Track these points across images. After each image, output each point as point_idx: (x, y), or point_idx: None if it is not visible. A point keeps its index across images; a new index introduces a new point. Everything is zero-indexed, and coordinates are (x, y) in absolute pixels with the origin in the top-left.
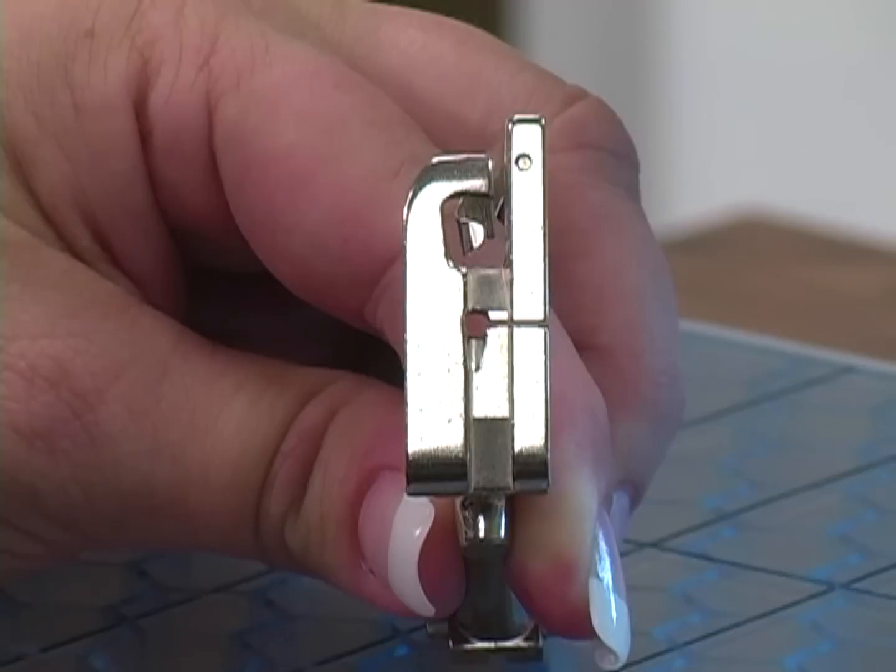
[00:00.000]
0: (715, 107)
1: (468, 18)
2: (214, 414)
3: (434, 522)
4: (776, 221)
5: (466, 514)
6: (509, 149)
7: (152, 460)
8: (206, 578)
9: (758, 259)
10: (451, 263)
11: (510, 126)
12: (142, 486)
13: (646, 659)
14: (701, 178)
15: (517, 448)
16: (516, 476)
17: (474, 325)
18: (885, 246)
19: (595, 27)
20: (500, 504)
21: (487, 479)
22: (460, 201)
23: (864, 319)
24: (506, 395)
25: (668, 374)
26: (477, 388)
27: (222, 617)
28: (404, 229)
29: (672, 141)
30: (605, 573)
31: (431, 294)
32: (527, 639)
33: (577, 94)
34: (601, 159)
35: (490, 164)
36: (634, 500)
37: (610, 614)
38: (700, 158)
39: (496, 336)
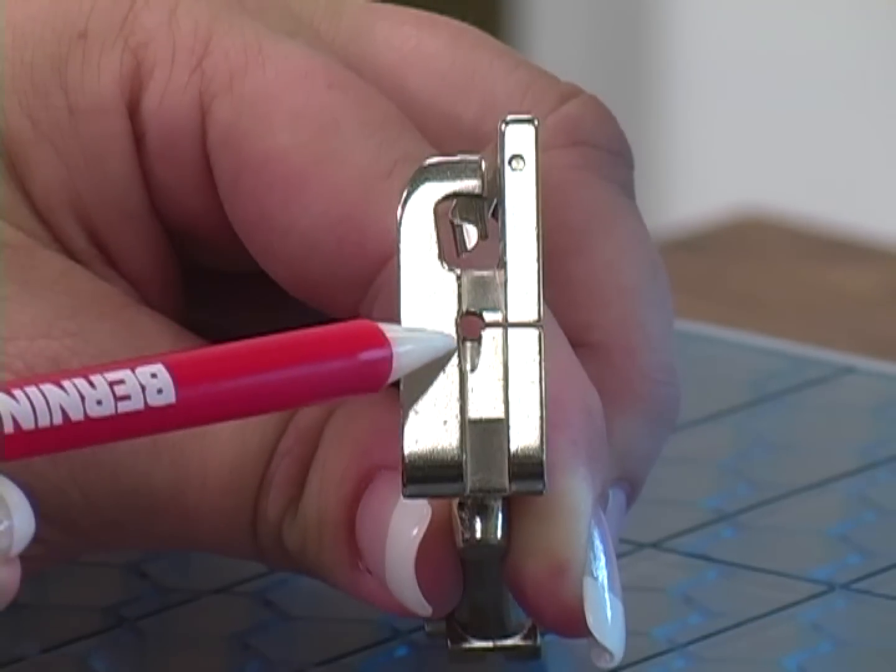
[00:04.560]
0: (715, 107)
1: (462, 17)
2: None
3: (431, 522)
4: (776, 221)
5: (463, 514)
6: (502, 149)
7: (150, 461)
8: (206, 579)
9: (758, 259)
10: (445, 265)
11: (503, 126)
12: (140, 486)
13: (646, 659)
14: (701, 178)
15: (513, 449)
16: (512, 477)
17: (469, 327)
18: (885, 246)
19: (595, 26)
20: (497, 505)
21: (483, 481)
22: (454, 202)
23: (864, 319)
24: (501, 396)
25: (664, 371)
26: (472, 390)
27: (222, 617)
28: (398, 231)
29: (672, 141)
30: (601, 572)
31: (426, 295)
32: (525, 637)
33: (572, 92)
34: (596, 156)
35: (483, 164)
36: (631, 498)
37: (605, 613)
38: (700, 158)
39: (491, 337)
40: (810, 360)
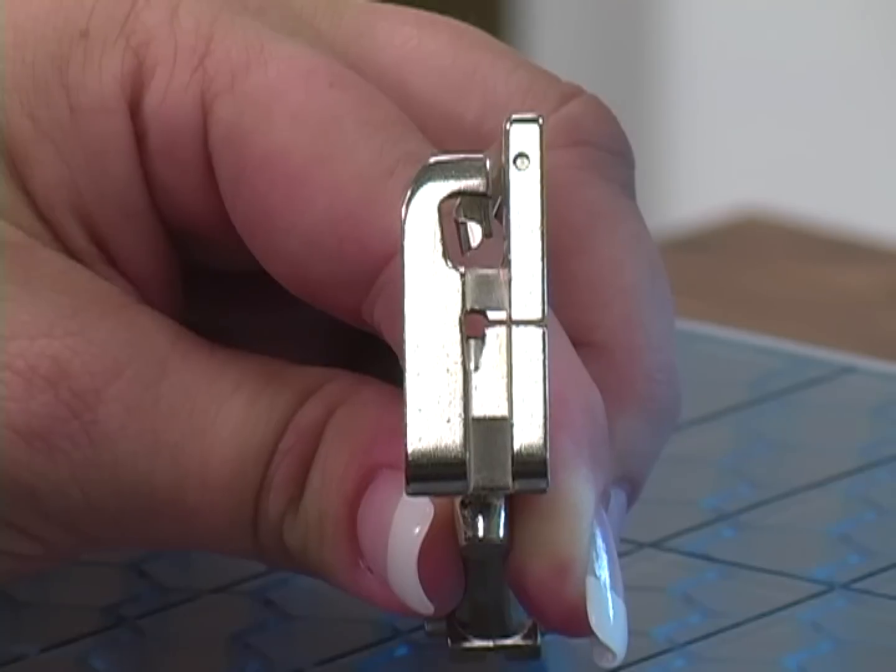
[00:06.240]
0: (715, 107)
1: (463, 17)
2: (213, 413)
3: (433, 521)
4: (776, 221)
5: (465, 513)
6: (507, 148)
7: (151, 460)
8: (206, 578)
9: (758, 259)
10: (449, 263)
11: (508, 125)
12: (141, 485)
13: (646, 659)
14: (701, 178)
15: (516, 447)
16: (515, 475)
17: (473, 325)
18: (886, 246)
19: (595, 26)
20: (499, 503)
21: (487, 479)
22: (458, 201)
23: (864, 319)
24: (505, 394)
25: (665, 371)
26: (476, 388)
27: (222, 617)
28: (402, 229)
29: (672, 141)
30: (603, 571)
31: (430, 294)
32: (525, 637)
33: (573, 92)
34: (597, 156)
35: (488, 163)
36: (632, 497)
37: (607, 612)
38: (700, 158)
39: (495, 336)
40: (810, 360)
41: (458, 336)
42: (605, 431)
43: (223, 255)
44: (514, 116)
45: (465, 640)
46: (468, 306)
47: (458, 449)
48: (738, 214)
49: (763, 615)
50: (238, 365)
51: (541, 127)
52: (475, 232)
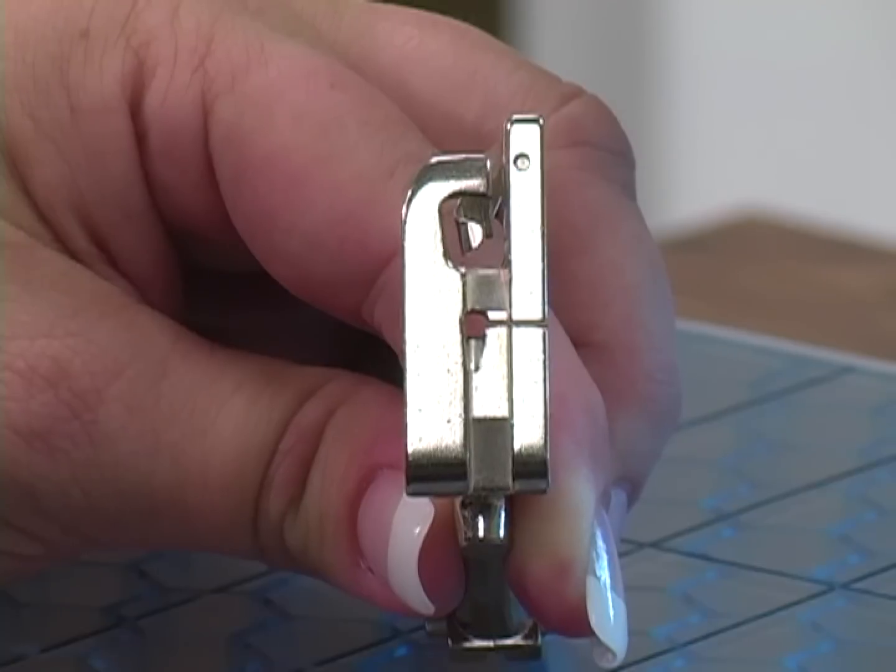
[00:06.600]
0: (715, 107)
1: (463, 17)
2: (213, 413)
3: (434, 521)
4: (776, 221)
5: (466, 513)
6: (508, 148)
7: (151, 460)
8: (206, 578)
9: (758, 259)
10: (449, 263)
11: (509, 126)
12: (141, 485)
13: (646, 659)
14: (701, 178)
15: (517, 448)
16: (516, 476)
17: (473, 326)
18: (886, 246)
19: (595, 26)
20: (500, 504)
21: (487, 479)
22: (459, 201)
23: (864, 319)
24: (505, 395)
25: (665, 371)
26: (476, 389)
27: (222, 617)
28: (403, 229)
29: (672, 141)
30: (603, 571)
31: (430, 294)
32: (525, 637)
33: (574, 92)
34: (597, 157)
35: (488, 163)
36: (632, 498)
37: (608, 612)
38: (700, 158)
39: (495, 336)
40: (810, 360)
41: (458, 336)
42: (606, 432)
43: (223, 256)
44: (515, 117)
45: (466, 640)
46: (469, 306)
47: (459, 449)
48: (738, 214)
49: (763, 615)
50: (238, 365)
51: (541, 127)
52: (476, 232)
